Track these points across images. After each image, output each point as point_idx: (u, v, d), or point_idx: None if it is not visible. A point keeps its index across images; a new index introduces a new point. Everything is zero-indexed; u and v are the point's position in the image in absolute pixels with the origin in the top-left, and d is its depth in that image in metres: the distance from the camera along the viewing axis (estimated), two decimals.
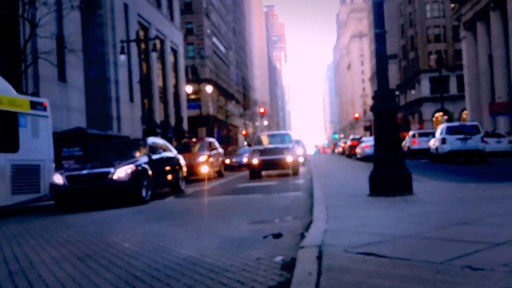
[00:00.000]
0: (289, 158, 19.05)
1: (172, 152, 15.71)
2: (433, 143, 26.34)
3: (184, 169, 16.23)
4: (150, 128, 33.24)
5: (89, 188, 11.31)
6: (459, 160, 24.48)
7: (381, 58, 9.07)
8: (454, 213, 6.33)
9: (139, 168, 11.89)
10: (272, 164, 19.46)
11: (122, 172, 11.30)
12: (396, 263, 3.81)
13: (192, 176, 20.73)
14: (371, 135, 65.29)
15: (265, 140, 21.99)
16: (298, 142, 25.94)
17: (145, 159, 12.61)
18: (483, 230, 5.05)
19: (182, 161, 16.17)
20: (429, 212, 6.48)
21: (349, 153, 42.79)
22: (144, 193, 11.73)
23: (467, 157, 24.36)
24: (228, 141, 77.18)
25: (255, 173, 19.69)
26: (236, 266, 4.46)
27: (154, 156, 13.16)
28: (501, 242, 4.36)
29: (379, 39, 9.05)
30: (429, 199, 8.03)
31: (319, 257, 4.11)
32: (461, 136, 23.47)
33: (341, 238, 4.90)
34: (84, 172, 11.53)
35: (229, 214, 8.51)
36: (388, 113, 8.77)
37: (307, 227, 6.11)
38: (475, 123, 27.29)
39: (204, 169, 21.06)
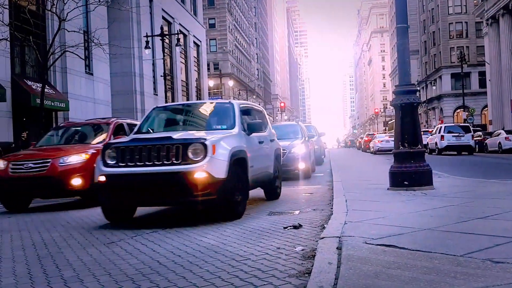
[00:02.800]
0: (199, 173, 6.44)
1: None
2: (431, 139, 32.84)
3: None
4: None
5: None
6: (452, 153, 30.69)
7: (403, 53, 9.04)
8: (475, 207, 6.32)
9: None
10: (146, 189, 6.66)
11: None
12: (416, 255, 3.83)
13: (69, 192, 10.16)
14: (385, 131, 65.75)
15: (170, 118, 9.41)
16: (295, 129, 16.19)
17: None
18: (504, 224, 5.03)
19: None
20: (449, 206, 6.48)
21: (364, 148, 47.60)
22: None
23: (459, 151, 30.90)
24: None
25: (106, 209, 7.16)
26: (256, 255, 4.51)
27: None
28: None
29: (402, 34, 9.02)
30: (449, 193, 8.02)
31: (339, 248, 4.15)
32: (456, 134, 30.37)
33: (361, 229, 4.93)
34: None
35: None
36: (409, 107, 8.75)
37: (327, 218, 6.17)
38: (466, 124, 35.58)
39: (76, 182, 9.81)
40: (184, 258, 4.59)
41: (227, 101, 9.02)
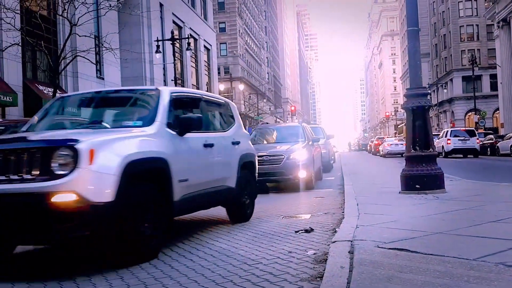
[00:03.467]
0: (61, 196, 4.04)
1: None
2: (438, 143, 32.77)
3: None
4: None
5: None
6: (458, 156, 31.91)
7: (414, 56, 9.01)
8: (487, 211, 6.27)
9: None
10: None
11: None
12: (429, 258, 3.80)
13: None
14: (396, 135, 65.94)
15: (72, 112, 6.48)
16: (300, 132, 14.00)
17: None
18: None
19: None
20: (462, 209, 6.43)
21: (374, 151, 48.78)
22: None
23: (465, 154, 32.11)
24: None
25: None
26: (268, 258, 4.51)
27: None
28: None
29: (413, 37, 8.99)
30: (461, 196, 7.97)
31: (351, 252, 4.14)
32: (462, 138, 31.72)
33: (373, 233, 4.91)
34: None
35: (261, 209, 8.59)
36: (420, 111, 8.70)
37: (339, 222, 6.15)
38: (472, 128, 37.37)
39: None
40: (196, 262, 4.60)
41: (153, 87, 6.27)
